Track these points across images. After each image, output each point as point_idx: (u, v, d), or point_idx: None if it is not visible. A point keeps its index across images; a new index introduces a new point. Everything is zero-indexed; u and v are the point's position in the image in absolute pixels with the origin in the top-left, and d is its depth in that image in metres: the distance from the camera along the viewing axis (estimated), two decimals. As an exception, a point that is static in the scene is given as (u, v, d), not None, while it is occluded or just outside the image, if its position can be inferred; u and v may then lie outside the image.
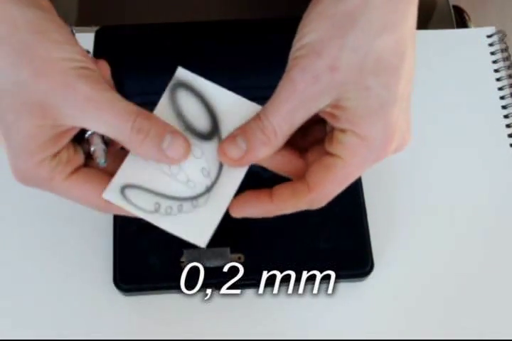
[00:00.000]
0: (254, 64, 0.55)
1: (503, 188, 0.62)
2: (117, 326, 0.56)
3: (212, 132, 0.41)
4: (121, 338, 0.55)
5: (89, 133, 0.40)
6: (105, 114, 0.38)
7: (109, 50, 0.51)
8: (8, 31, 0.37)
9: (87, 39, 0.52)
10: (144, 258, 0.56)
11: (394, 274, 0.58)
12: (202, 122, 0.41)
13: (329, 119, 0.40)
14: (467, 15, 0.76)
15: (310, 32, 0.38)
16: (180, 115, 0.41)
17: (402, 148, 0.41)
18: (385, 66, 0.38)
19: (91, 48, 0.51)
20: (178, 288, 0.56)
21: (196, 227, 0.41)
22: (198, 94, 0.41)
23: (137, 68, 0.54)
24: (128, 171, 0.41)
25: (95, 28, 0.52)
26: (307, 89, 0.38)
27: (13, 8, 0.37)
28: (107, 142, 0.41)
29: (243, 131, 0.40)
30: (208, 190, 0.41)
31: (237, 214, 0.42)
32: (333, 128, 0.40)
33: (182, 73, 0.42)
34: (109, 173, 0.41)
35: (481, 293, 0.58)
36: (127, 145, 0.39)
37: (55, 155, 0.39)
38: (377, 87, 0.38)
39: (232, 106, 0.41)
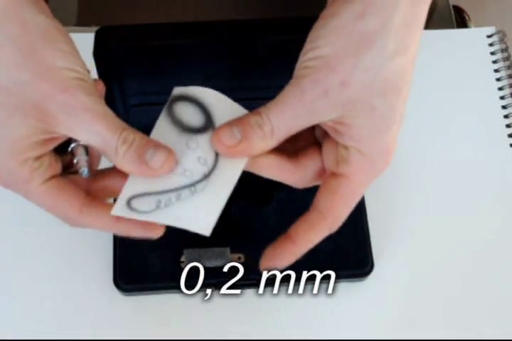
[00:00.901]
0: (255, 64, 0.55)
1: (503, 188, 0.62)
2: (117, 326, 0.56)
3: (207, 126, 0.41)
4: (121, 338, 0.55)
5: (73, 145, 0.41)
6: (98, 125, 0.38)
7: (109, 50, 0.51)
8: (19, 32, 0.38)
9: (87, 39, 0.52)
10: (144, 258, 0.56)
11: (394, 274, 0.58)
12: (196, 119, 0.42)
13: (332, 134, 0.40)
14: (467, 15, 0.76)
15: (325, 45, 0.38)
16: (176, 121, 0.42)
17: None
18: (392, 87, 0.39)
19: (91, 48, 0.51)
20: (178, 288, 0.56)
21: (197, 215, 0.41)
22: (193, 100, 0.42)
23: (137, 68, 0.54)
24: (131, 185, 0.41)
25: (95, 28, 0.52)
26: (315, 101, 0.38)
27: (26, 11, 0.38)
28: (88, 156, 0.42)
29: (241, 122, 0.40)
30: (206, 176, 0.41)
31: (270, 270, 0.43)
32: (325, 136, 0.41)
33: (177, 90, 0.43)
34: (84, 187, 0.42)
35: (481, 292, 0.58)
36: (112, 158, 0.40)
37: (39, 157, 0.40)
38: (382, 107, 0.39)
39: (226, 108, 0.41)
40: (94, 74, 0.53)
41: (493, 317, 0.57)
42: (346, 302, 0.57)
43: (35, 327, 0.56)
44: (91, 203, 0.41)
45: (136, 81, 0.55)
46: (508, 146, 0.64)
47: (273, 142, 0.40)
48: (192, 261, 0.55)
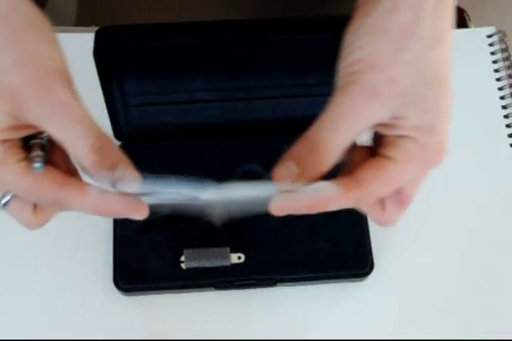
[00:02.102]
0: (254, 64, 0.55)
1: (503, 188, 0.62)
2: (117, 326, 0.56)
3: None
4: (122, 338, 0.55)
5: (32, 141, 0.39)
6: (73, 125, 0.37)
7: (109, 50, 0.51)
8: (5, 14, 0.37)
9: (87, 39, 0.52)
10: (144, 258, 0.56)
11: (394, 274, 0.58)
12: None
13: (386, 131, 0.39)
14: (467, 15, 0.76)
15: (364, 46, 0.38)
16: None
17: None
18: (439, 78, 0.39)
19: (91, 48, 0.51)
20: (178, 288, 0.56)
21: None
22: None
23: (137, 68, 0.54)
24: None
25: (95, 28, 0.52)
26: (368, 104, 0.37)
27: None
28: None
29: (292, 155, 0.38)
30: None
31: (279, 211, 0.39)
32: (383, 135, 0.40)
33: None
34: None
35: (481, 292, 0.58)
36: (79, 161, 0.38)
37: (5, 141, 0.38)
38: (433, 98, 0.38)
39: None
40: (94, 74, 0.53)
41: (493, 318, 0.57)
42: (346, 302, 0.57)
43: (35, 327, 0.56)
44: (72, 179, 0.39)
45: (136, 81, 0.55)
46: (508, 146, 0.64)
47: (332, 159, 0.38)
48: (192, 261, 0.55)
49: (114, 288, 0.56)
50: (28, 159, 0.39)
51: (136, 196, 0.39)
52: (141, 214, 0.39)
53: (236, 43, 0.52)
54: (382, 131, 0.40)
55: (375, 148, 0.41)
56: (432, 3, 0.38)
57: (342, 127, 0.38)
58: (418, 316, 0.57)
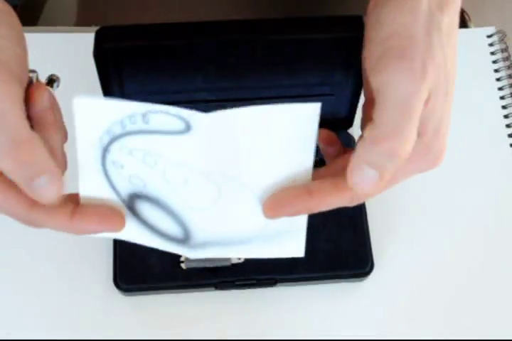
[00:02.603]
0: (254, 64, 0.55)
1: (503, 188, 0.62)
2: (117, 326, 0.56)
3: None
4: (121, 338, 0.55)
5: None
6: None
7: (109, 50, 0.51)
8: None
9: (87, 39, 0.52)
10: (144, 258, 0.56)
11: (394, 274, 0.58)
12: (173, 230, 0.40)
13: None
14: (467, 15, 0.76)
15: (395, 20, 0.37)
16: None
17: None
18: (453, 75, 0.38)
19: (91, 48, 0.51)
20: (178, 288, 0.56)
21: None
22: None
23: (137, 68, 0.54)
24: None
25: (95, 28, 0.52)
26: (422, 80, 0.36)
27: None
28: None
29: (359, 159, 0.36)
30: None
31: (273, 213, 0.38)
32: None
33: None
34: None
35: (480, 292, 0.58)
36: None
37: None
38: (448, 93, 0.38)
39: None
40: (94, 74, 0.53)
41: (494, 317, 0.57)
42: (346, 302, 0.57)
43: (35, 326, 0.56)
44: None
45: (136, 81, 0.55)
46: (508, 146, 0.64)
47: (411, 141, 0.37)
48: (192, 261, 0.55)
49: (114, 288, 0.56)
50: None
51: (112, 208, 0.38)
52: (117, 227, 0.38)
53: (236, 43, 0.52)
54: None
55: None
56: None
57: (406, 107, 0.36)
58: (418, 316, 0.57)
